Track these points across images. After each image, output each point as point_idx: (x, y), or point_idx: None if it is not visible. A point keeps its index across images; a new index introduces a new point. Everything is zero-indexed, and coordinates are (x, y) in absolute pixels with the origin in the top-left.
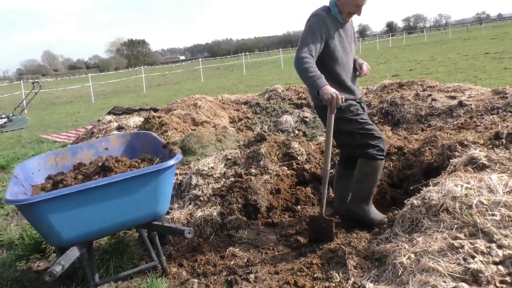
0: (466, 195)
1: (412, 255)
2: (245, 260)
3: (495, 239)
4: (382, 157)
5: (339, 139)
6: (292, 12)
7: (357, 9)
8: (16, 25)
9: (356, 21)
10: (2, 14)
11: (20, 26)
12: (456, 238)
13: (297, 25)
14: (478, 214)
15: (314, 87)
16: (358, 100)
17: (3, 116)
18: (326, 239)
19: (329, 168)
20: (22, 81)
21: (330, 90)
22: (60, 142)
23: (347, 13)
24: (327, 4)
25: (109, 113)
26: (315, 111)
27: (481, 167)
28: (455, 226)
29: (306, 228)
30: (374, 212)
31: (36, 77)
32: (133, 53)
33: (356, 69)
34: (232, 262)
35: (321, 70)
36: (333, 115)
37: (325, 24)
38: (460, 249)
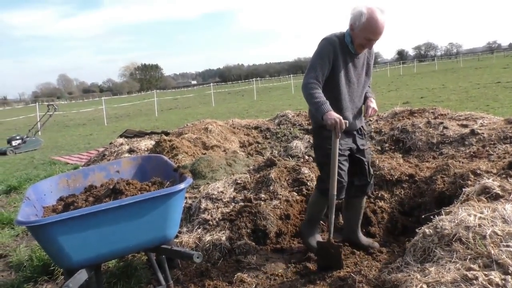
0: (479, 225)
1: (424, 286)
2: (253, 286)
3: (510, 271)
4: (326, 195)
5: (318, 168)
6: (302, 38)
7: (368, 43)
8: (33, 50)
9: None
10: (20, 40)
11: (37, 51)
12: (469, 269)
13: (308, 51)
14: (492, 245)
15: (319, 112)
16: (354, 132)
17: (17, 137)
18: (335, 266)
19: (335, 193)
20: (37, 103)
21: (333, 115)
22: (72, 164)
23: (358, 45)
24: (344, 30)
25: (121, 136)
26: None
27: (495, 197)
28: (469, 256)
29: (316, 255)
30: (313, 238)
31: (51, 100)
32: (146, 77)
33: (364, 103)
34: None
35: (324, 93)
36: (338, 140)
37: (334, 50)
38: (474, 281)
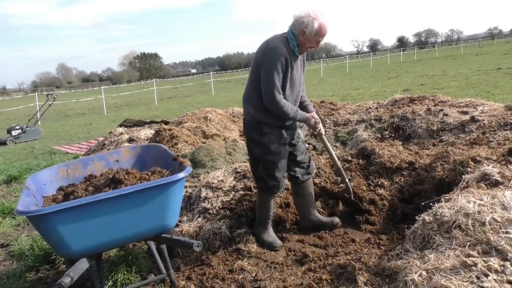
0: (479, 212)
1: (424, 272)
2: (254, 274)
3: (509, 258)
4: (269, 194)
5: (250, 162)
6: None
7: (317, 45)
8: (32, 39)
9: (367, 35)
10: (19, 29)
11: (36, 40)
12: (469, 255)
13: None
14: (491, 232)
15: (299, 120)
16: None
17: (17, 127)
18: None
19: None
20: (36, 93)
21: (315, 116)
22: (72, 153)
23: (308, 47)
24: (284, 33)
25: (120, 125)
26: (247, 132)
27: (494, 184)
28: (468, 243)
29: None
30: (268, 235)
31: (51, 89)
32: (146, 66)
33: (301, 102)
34: (240, 276)
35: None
36: (322, 134)
37: (285, 58)
38: (473, 267)
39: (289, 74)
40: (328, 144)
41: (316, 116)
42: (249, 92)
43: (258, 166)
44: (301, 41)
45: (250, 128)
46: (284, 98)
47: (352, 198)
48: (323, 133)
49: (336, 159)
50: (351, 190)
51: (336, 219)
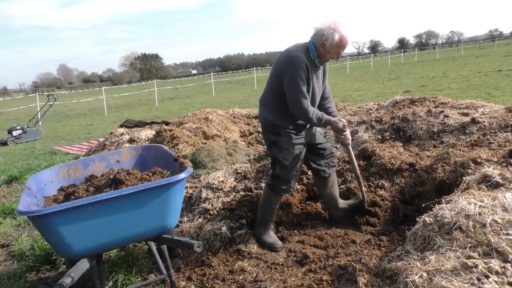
0: (479, 214)
1: (425, 274)
2: (254, 275)
3: (509, 259)
4: (279, 193)
5: (271, 162)
6: (302, 28)
7: (338, 56)
8: (33, 40)
9: (368, 37)
10: (19, 30)
11: (37, 41)
12: (469, 257)
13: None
14: (492, 233)
15: (325, 124)
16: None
17: (18, 128)
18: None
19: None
20: (37, 93)
21: (338, 120)
22: (72, 154)
23: (328, 59)
24: (306, 42)
25: (121, 126)
26: (267, 132)
27: (495, 185)
28: (469, 245)
29: None
30: (269, 235)
31: (51, 90)
32: (146, 67)
33: (329, 113)
34: (241, 277)
35: (283, 100)
36: (348, 144)
37: (307, 67)
38: (474, 269)
39: (309, 85)
40: (352, 153)
41: (344, 120)
42: (265, 99)
43: (275, 166)
44: (321, 53)
45: (267, 131)
46: None
47: (366, 207)
48: (349, 141)
49: (357, 167)
50: (366, 198)
51: (359, 197)
